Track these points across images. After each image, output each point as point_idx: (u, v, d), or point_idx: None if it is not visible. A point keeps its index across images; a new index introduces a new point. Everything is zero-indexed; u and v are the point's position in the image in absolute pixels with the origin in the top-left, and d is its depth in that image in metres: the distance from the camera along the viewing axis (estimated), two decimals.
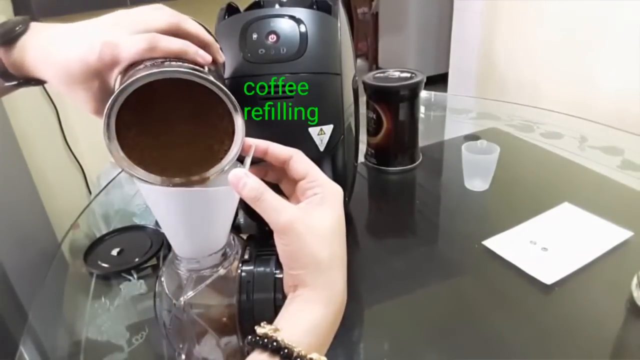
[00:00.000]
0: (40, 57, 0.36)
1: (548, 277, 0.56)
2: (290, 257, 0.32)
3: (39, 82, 0.39)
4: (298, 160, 0.36)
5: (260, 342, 0.29)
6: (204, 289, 0.38)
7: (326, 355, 0.31)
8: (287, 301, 0.33)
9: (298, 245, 0.31)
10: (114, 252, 0.70)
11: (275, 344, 0.28)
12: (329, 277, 0.32)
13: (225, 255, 0.39)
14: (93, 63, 0.34)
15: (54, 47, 0.36)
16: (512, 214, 0.70)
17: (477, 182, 0.77)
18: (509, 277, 0.58)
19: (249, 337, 0.30)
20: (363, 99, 0.74)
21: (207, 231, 0.37)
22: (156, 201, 0.35)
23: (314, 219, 0.33)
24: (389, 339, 0.52)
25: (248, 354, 0.29)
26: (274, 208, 0.32)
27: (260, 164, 0.39)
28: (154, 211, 0.35)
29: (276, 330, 0.29)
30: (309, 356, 0.28)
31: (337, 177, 0.60)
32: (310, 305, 0.31)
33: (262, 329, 0.29)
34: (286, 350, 0.28)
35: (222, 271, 0.39)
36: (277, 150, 0.37)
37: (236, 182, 0.32)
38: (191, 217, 0.35)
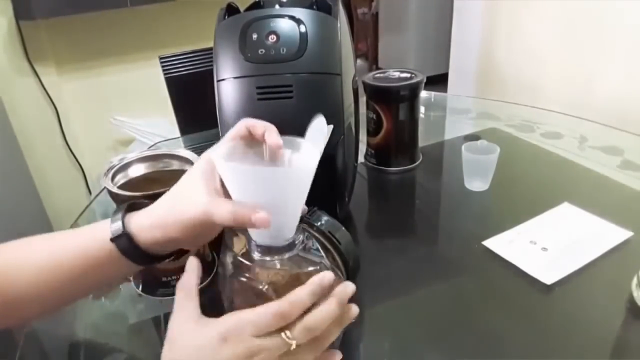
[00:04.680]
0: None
1: (548, 277, 0.56)
2: None
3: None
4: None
5: None
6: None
7: None
8: None
9: None
10: None
11: None
12: None
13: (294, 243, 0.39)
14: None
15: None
16: (512, 214, 0.70)
17: (477, 182, 0.77)
18: (509, 277, 0.58)
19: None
20: (363, 99, 0.74)
21: (285, 212, 0.37)
22: (238, 182, 0.35)
23: None
24: (389, 339, 0.52)
25: None
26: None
27: None
28: (238, 195, 0.36)
29: None
30: None
31: (337, 177, 0.60)
32: None
33: None
34: None
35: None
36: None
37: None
38: (273, 197, 0.35)
